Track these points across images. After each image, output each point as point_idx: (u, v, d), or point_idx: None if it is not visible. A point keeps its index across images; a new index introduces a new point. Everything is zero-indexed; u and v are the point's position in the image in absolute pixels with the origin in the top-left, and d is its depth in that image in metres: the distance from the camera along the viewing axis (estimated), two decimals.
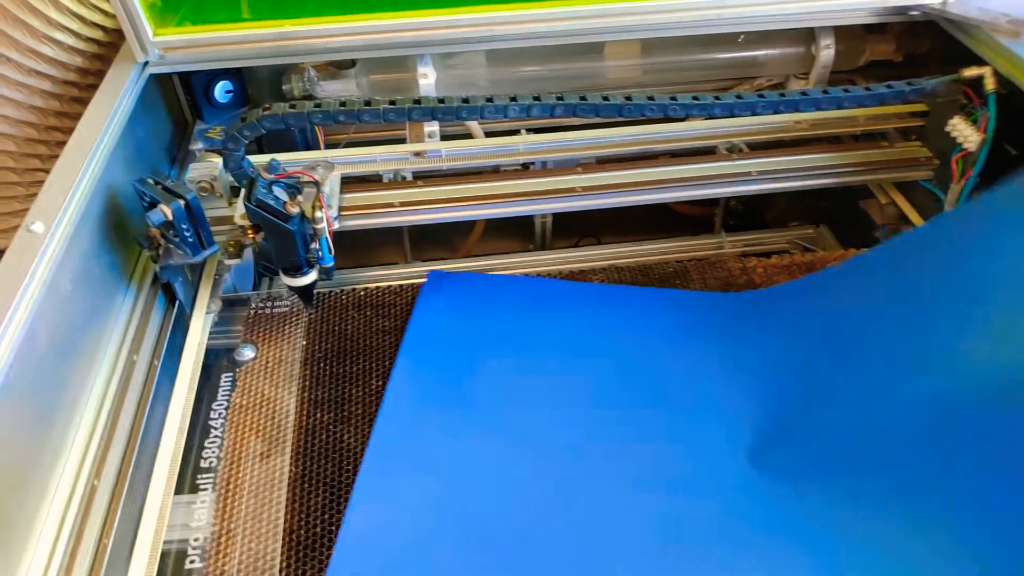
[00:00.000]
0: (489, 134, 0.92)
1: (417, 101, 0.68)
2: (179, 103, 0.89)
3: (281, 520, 0.62)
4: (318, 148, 0.89)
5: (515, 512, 0.60)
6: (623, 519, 0.59)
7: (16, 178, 0.87)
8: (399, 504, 0.61)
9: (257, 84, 0.91)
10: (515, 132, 0.91)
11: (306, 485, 0.64)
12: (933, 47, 0.92)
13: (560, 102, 0.70)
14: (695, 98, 0.72)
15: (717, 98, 0.72)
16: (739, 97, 0.73)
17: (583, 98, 0.70)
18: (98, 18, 0.83)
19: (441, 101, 0.68)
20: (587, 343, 0.73)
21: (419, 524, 0.60)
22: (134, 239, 0.71)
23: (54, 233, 0.57)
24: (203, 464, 0.66)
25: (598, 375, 0.70)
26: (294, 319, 0.78)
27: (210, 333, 0.76)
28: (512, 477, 0.63)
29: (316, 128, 0.87)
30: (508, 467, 0.63)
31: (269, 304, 0.80)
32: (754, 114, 0.74)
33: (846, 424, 0.61)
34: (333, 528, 0.61)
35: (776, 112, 0.74)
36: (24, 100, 0.83)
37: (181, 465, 0.64)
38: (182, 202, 0.65)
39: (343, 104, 0.67)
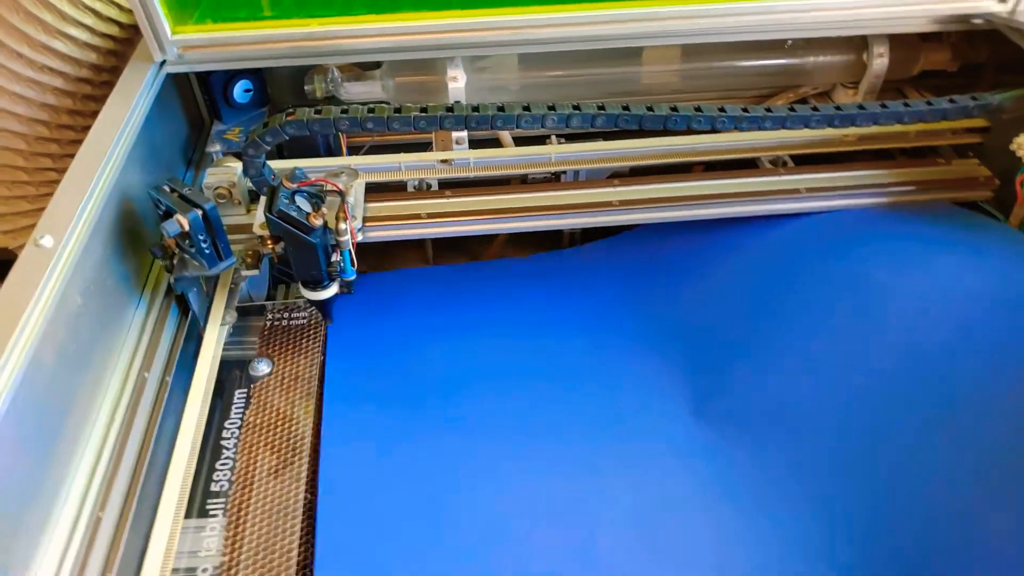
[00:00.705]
0: (517, 141, 0.88)
1: (450, 108, 0.64)
2: (196, 102, 0.85)
3: (295, 552, 0.58)
4: (340, 153, 0.85)
5: (484, 496, 0.61)
6: (582, 481, 0.62)
7: (27, 177, 0.83)
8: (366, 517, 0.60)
9: (277, 84, 0.87)
10: (544, 138, 0.87)
11: None
12: (991, 57, 0.87)
13: (601, 112, 0.65)
14: (745, 110, 0.67)
15: (768, 110, 0.67)
16: (792, 109, 0.68)
17: (626, 108, 0.66)
18: (114, 13, 0.79)
19: (475, 109, 0.64)
20: (501, 322, 0.76)
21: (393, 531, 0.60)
22: (148, 248, 0.67)
23: (65, 246, 0.54)
24: (213, 487, 0.62)
25: (524, 351, 0.73)
26: (312, 332, 0.74)
27: (225, 344, 0.72)
28: (468, 464, 0.64)
29: (340, 133, 0.83)
30: (461, 455, 0.64)
31: (286, 315, 0.76)
32: (806, 127, 0.69)
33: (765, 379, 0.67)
34: None
35: (830, 126, 0.69)
36: (36, 97, 0.79)
37: (191, 488, 0.60)
38: (200, 212, 0.62)
39: (371, 111, 0.63)
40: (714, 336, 0.72)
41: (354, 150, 0.88)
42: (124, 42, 0.82)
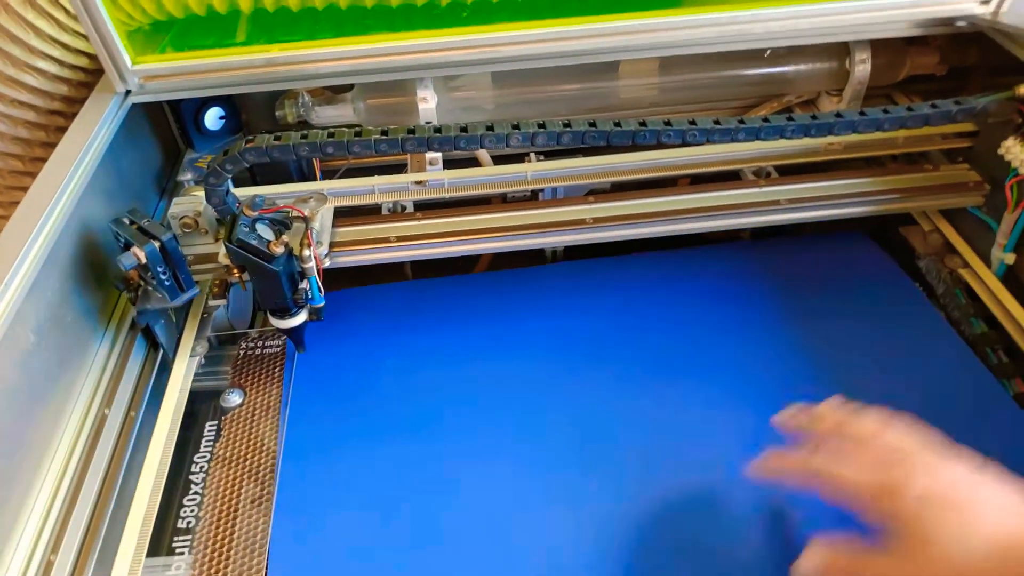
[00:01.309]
0: (497, 159, 0.86)
1: (412, 131, 0.62)
2: (170, 130, 0.84)
3: None
4: (314, 177, 0.84)
5: (437, 513, 0.61)
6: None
7: (2, 212, 0.83)
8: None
9: (251, 109, 0.86)
10: (524, 155, 0.85)
11: None
12: (980, 59, 0.84)
13: (568, 129, 0.63)
14: (716, 122, 0.65)
15: (741, 122, 0.65)
16: (766, 120, 0.66)
17: (592, 124, 0.64)
18: (82, 45, 0.79)
19: (438, 131, 0.62)
20: (474, 341, 0.74)
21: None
22: (111, 281, 0.66)
23: (10, 282, 0.52)
24: (180, 524, 0.61)
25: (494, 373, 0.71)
26: (285, 360, 0.73)
27: (197, 375, 0.70)
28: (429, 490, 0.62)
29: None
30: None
31: (259, 343, 0.75)
32: (783, 138, 0.67)
33: None
34: None
35: (807, 136, 0.67)
36: (7, 131, 0.79)
37: (157, 525, 0.59)
38: (157, 244, 0.60)
39: (331, 135, 0.62)
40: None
41: (331, 173, 0.87)
42: (96, 73, 0.82)
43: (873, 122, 0.67)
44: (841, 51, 0.84)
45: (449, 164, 0.81)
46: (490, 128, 0.63)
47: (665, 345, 0.72)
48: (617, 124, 0.64)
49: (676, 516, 0.59)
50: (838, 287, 0.77)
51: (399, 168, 0.82)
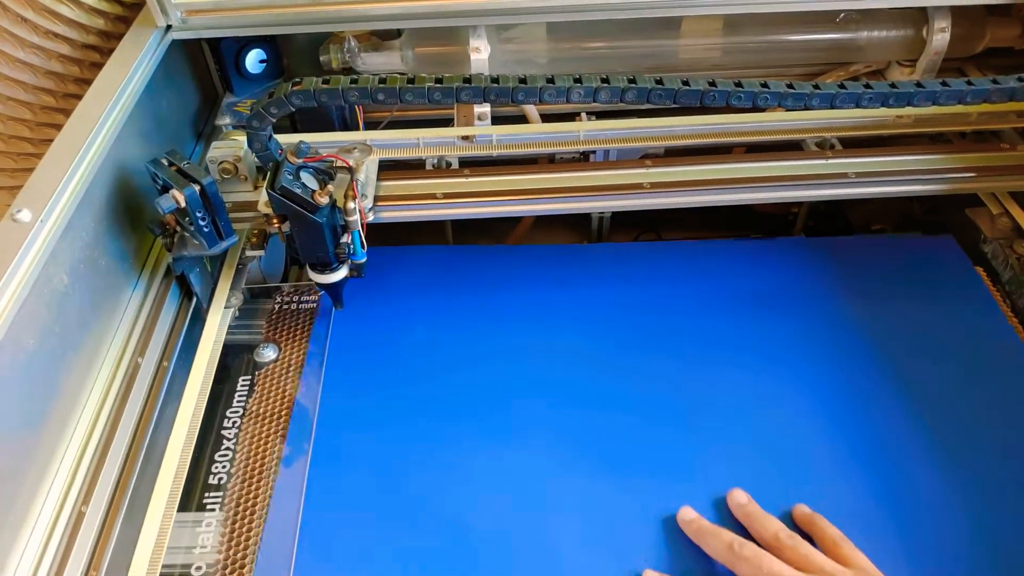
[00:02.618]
0: (545, 117, 0.82)
1: (467, 80, 0.59)
2: (208, 73, 0.81)
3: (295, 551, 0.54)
4: (357, 128, 0.81)
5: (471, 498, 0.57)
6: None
7: (33, 149, 0.80)
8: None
9: (294, 54, 0.83)
10: (574, 115, 0.82)
11: None
12: None
13: (632, 85, 0.60)
14: (790, 86, 0.61)
15: (816, 87, 0.61)
16: (842, 87, 0.62)
17: (659, 81, 0.60)
18: None
19: (495, 80, 0.59)
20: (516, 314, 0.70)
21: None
22: (146, 226, 0.63)
23: (45, 221, 0.50)
24: (212, 480, 0.59)
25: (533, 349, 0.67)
26: (322, 317, 0.70)
27: (231, 328, 0.68)
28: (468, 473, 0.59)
29: (356, 106, 0.79)
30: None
31: (296, 299, 0.72)
32: (857, 107, 0.63)
33: None
34: None
35: (884, 106, 0.63)
36: (41, 65, 0.76)
37: (188, 480, 0.57)
38: (197, 188, 0.58)
39: (383, 81, 0.58)
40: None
41: (372, 125, 0.83)
42: (134, 8, 0.78)
43: (956, 94, 0.63)
44: (918, 18, 0.79)
45: (495, 122, 0.78)
46: (550, 80, 0.59)
47: (707, 337, 0.68)
48: (685, 83, 0.60)
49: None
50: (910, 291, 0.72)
51: (443, 123, 0.79)
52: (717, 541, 0.51)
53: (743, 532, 0.53)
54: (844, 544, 0.50)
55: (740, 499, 0.55)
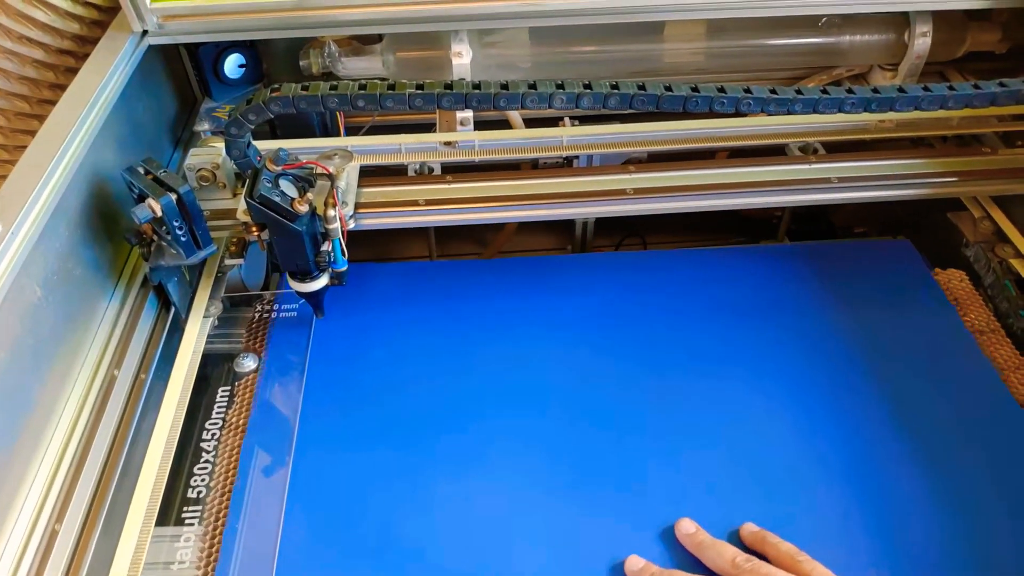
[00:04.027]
0: (528, 122, 0.82)
1: (449, 86, 0.58)
2: (186, 77, 0.80)
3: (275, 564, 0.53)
4: (338, 133, 0.80)
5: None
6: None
7: (7, 156, 0.79)
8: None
9: (273, 58, 0.82)
10: (557, 120, 0.81)
11: None
12: None
13: (615, 91, 0.59)
14: (773, 91, 0.61)
15: (799, 92, 0.61)
16: (825, 92, 0.62)
17: (641, 87, 0.59)
18: None
19: (477, 87, 0.58)
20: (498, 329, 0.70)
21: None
22: (122, 235, 0.62)
23: (16, 232, 0.49)
24: (191, 494, 0.58)
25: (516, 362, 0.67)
26: (302, 325, 0.69)
27: (210, 337, 0.67)
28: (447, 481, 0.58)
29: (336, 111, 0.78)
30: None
31: (275, 307, 0.71)
32: (840, 111, 0.63)
33: None
34: None
35: (867, 110, 0.62)
36: (14, 70, 0.74)
37: (166, 495, 0.55)
38: (174, 196, 0.57)
39: (363, 87, 0.58)
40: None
41: (354, 130, 0.82)
42: (109, 12, 0.77)
43: (938, 99, 0.63)
44: (900, 22, 0.79)
45: (477, 127, 0.77)
46: (532, 86, 0.59)
47: (696, 345, 0.67)
48: (668, 88, 0.60)
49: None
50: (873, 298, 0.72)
51: (425, 128, 0.78)
52: (718, 555, 0.50)
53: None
54: (801, 556, 0.49)
55: (688, 529, 0.53)
